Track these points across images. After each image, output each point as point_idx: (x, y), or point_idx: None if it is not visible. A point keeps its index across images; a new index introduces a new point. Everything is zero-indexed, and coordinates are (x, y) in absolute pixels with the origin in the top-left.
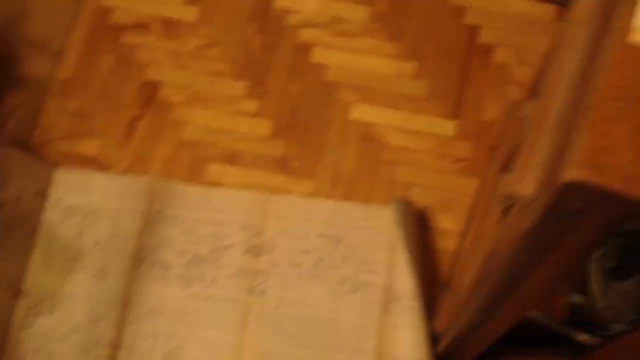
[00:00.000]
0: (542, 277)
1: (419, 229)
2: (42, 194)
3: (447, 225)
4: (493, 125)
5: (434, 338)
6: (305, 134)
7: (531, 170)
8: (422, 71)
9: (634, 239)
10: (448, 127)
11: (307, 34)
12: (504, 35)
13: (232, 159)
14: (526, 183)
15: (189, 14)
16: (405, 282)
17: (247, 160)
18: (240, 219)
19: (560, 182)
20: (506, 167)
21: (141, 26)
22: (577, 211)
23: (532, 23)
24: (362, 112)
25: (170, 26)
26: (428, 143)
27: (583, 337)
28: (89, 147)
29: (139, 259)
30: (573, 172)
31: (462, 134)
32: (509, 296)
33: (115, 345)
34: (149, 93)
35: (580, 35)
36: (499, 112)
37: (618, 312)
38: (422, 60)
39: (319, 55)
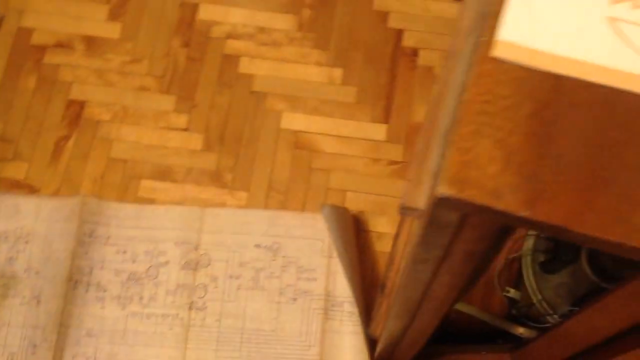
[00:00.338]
0: (445, 282)
1: (355, 234)
2: None
3: (383, 229)
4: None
5: (372, 342)
6: (237, 145)
7: (423, 182)
8: (350, 77)
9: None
10: (379, 131)
11: (233, 46)
12: (428, 38)
13: (163, 174)
14: (417, 195)
15: (111, 30)
16: (345, 287)
17: (179, 175)
18: (175, 235)
19: (433, 197)
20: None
21: (63, 45)
22: (455, 223)
23: (454, 24)
24: (293, 121)
25: (92, 44)
26: (360, 148)
27: (520, 331)
28: (16, 171)
29: (75, 281)
30: (442, 188)
31: (392, 137)
32: (422, 299)
33: None
34: (75, 112)
35: (462, 46)
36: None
37: (552, 304)
38: (350, 66)
39: (246, 66)
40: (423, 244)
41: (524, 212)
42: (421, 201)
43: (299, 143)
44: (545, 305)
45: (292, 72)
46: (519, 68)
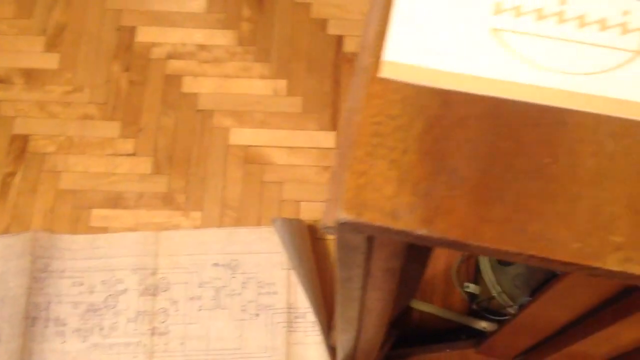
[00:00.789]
0: (376, 297)
1: (311, 243)
2: None
3: None
4: None
5: (333, 352)
6: (187, 165)
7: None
8: (294, 87)
9: None
10: (327, 139)
11: (174, 66)
12: None
13: (115, 202)
14: (329, 215)
15: (50, 61)
16: (306, 298)
17: (130, 201)
18: (131, 262)
19: (336, 222)
20: None
21: (2, 81)
22: (363, 244)
23: None
24: (241, 136)
25: (31, 76)
26: (310, 157)
27: (482, 325)
28: None
29: (32, 318)
30: (341, 213)
31: None
32: (360, 314)
33: None
34: (20, 147)
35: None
36: None
37: (511, 296)
38: (293, 76)
39: (189, 86)
40: (342, 264)
41: (422, 231)
42: (328, 222)
43: (249, 157)
44: (504, 297)
45: (236, 87)
46: (408, 87)
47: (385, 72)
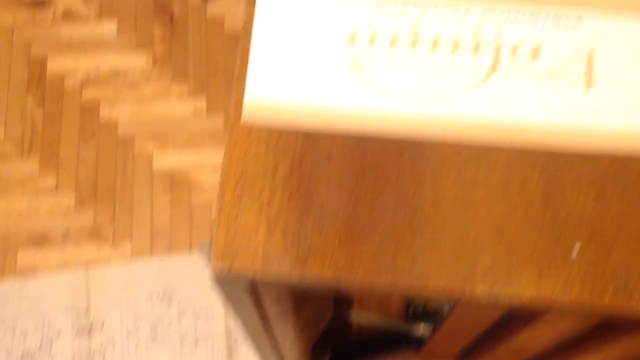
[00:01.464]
0: (284, 332)
1: None
2: None
3: None
4: None
5: None
6: (112, 196)
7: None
8: (214, 104)
9: None
10: None
11: (89, 94)
12: None
13: (40, 240)
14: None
15: None
16: None
17: (56, 238)
18: (63, 303)
19: (209, 272)
20: None
21: None
22: (246, 290)
23: None
24: (165, 159)
25: None
26: None
27: (420, 329)
28: None
29: None
30: (213, 263)
31: None
32: (274, 346)
33: None
34: None
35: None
36: None
37: None
38: (212, 93)
39: (107, 113)
40: (234, 309)
41: (295, 274)
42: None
43: (176, 181)
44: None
45: (155, 110)
46: (271, 128)
47: (247, 112)
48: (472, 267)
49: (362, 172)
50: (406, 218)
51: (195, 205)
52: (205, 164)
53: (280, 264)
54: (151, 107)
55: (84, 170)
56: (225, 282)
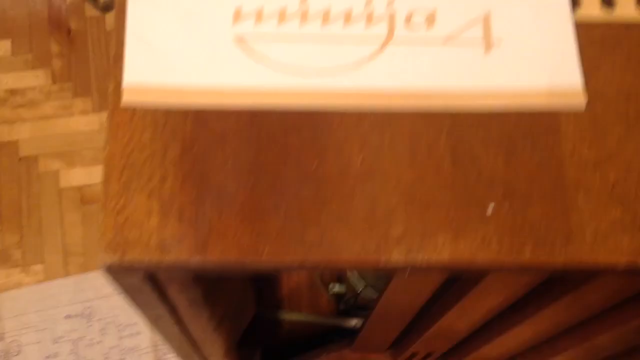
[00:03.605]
0: (200, 326)
1: None
2: None
3: None
4: None
5: None
6: (18, 218)
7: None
8: None
9: None
10: None
11: None
12: None
13: None
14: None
15: None
16: None
17: None
18: None
19: (101, 266)
20: None
21: None
22: (146, 283)
23: None
24: (73, 177)
25: None
26: None
27: (352, 323)
28: None
29: None
30: (104, 257)
31: None
32: (193, 346)
33: None
34: None
35: None
36: None
37: (376, 288)
38: None
39: (6, 134)
40: (138, 307)
41: (196, 259)
42: None
43: (85, 198)
44: (369, 290)
45: (58, 127)
46: (156, 110)
47: (127, 98)
48: (385, 235)
49: (260, 149)
50: (311, 192)
51: None
52: None
53: (178, 250)
54: (53, 125)
55: None
56: (120, 275)
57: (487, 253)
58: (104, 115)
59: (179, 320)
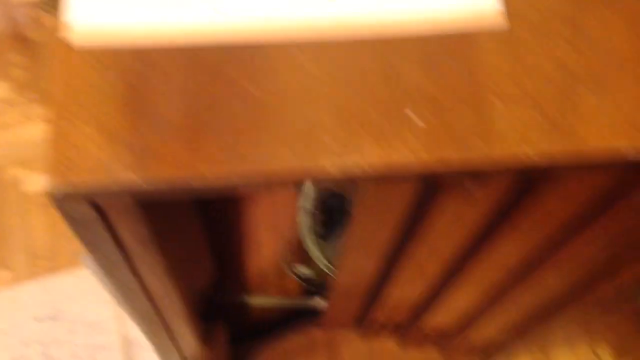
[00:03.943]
0: (155, 275)
1: None
2: None
3: None
4: None
5: None
6: None
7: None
8: None
9: (332, 201)
10: None
11: None
12: None
13: None
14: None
15: None
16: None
17: None
18: None
19: (47, 193)
20: None
21: None
22: (94, 216)
23: None
24: (36, 181)
25: None
26: None
27: (320, 303)
28: None
29: None
30: (49, 182)
31: None
32: (154, 308)
33: None
34: None
35: None
36: None
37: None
38: None
39: None
40: (89, 248)
41: (135, 177)
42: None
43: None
44: (333, 269)
45: (20, 135)
46: (102, 50)
47: (73, 36)
48: (317, 147)
49: (202, 82)
50: (251, 116)
51: None
52: None
53: (120, 172)
54: (15, 134)
55: None
56: (66, 201)
57: (415, 157)
58: None
59: (133, 269)
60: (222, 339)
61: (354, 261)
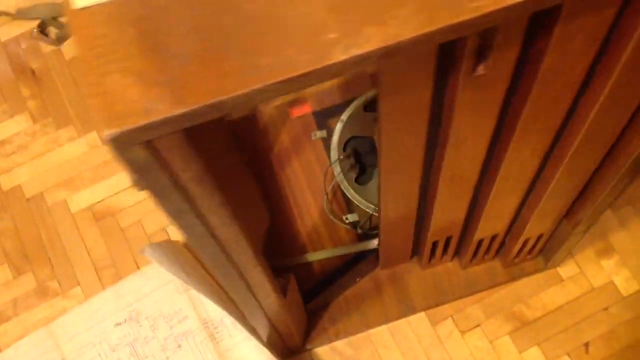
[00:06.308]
0: (220, 218)
1: (190, 253)
2: None
3: None
4: None
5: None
6: (44, 253)
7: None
8: None
9: (358, 145)
10: None
11: None
12: None
13: None
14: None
15: None
16: (214, 305)
17: (8, 311)
18: None
19: (106, 142)
20: None
21: None
22: (152, 159)
23: None
24: (80, 201)
25: None
26: None
27: (374, 243)
28: None
29: None
30: (103, 131)
31: None
32: (226, 255)
33: None
34: None
35: None
36: None
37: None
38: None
39: (8, 182)
40: (158, 198)
41: (179, 110)
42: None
43: (98, 214)
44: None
45: (52, 160)
46: (102, 4)
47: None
48: (325, 43)
49: (204, 11)
50: (254, 30)
51: (126, 228)
52: (118, 189)
53: (163, 109)
54: (49, 160)
55: (7, 241)
56: (125, 147)
57: (410, 32)
58: (90, 138)
59: (196, 210)
60: (294, 288)
61: (394, 183)
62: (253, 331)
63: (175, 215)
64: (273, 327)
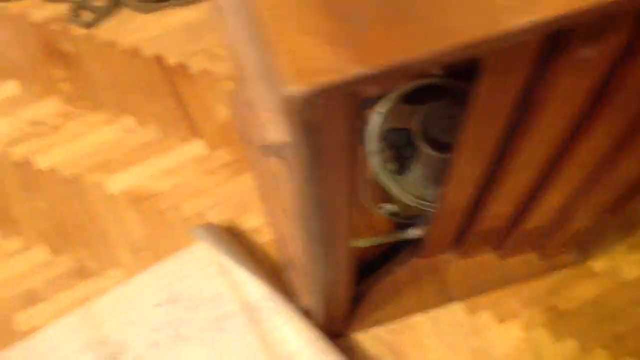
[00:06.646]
0: (339, 191)
1: (234, 238)
2: None
3: (254, 222)
4: (231, 119)
5: (309, 315)
6: (82, 233)
7: (266, 122)
8: (142, 118)
9: (395, 137)
10: (198, 147)
11: (18, 152)
12: (184, 47)
13: (31, 299)
14: (269, 132)
15: None
16: (255, 289)
17: (46, 292)
18: (78, 345)
19: (291, 103)
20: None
21: None
22: (318, 119)
23: (196, 25)
24: (118, 183)
25: None
26: (189, 170)
27: (414, 232)
28: None
29: None
30: (293, 89)
31: (212, 144)
32: (327, 230)
33: None
34: None
35: None
36: (227, 107)
37: (423, 197)
38: (136, 108)
39: (42, 162)
40: (312, 156)
41: (367, 70)
42: (276, 133)
43: (137, 197)
44: (419, 200)
45: (88, 142)
46: None
47: None
48: (493, 6)
49: None
50: None
51: (164, 211)
52: (156, 173)
53: (348, 68)
54: (84, 142)
55: (44, 221)
56: (309, 104)
57: None
58: (125, 118)
59: (338, 180)
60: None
61: (464, 173)
62: (300, 313)
63: (314, 183)
64: (326, 306)
